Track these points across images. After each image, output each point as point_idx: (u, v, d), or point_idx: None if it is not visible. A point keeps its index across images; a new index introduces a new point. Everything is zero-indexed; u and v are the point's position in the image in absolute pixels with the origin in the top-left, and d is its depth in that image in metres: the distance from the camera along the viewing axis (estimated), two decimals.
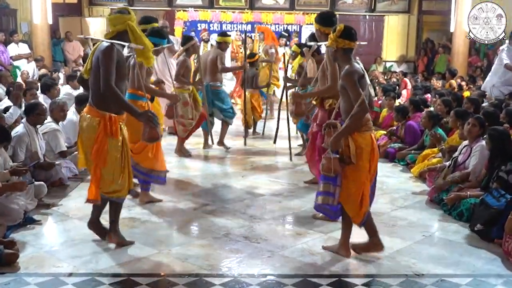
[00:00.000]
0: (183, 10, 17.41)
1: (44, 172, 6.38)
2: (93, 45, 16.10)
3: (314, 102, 6.08)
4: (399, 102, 10.76)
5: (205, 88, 8.60)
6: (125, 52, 5.02)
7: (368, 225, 4.62)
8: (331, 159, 4.32)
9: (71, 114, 7.67)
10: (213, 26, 17.39)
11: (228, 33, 9.66)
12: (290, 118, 8.54)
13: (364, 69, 4.53)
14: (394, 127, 9.00)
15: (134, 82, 5.79)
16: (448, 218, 5.72)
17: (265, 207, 6.01)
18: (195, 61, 9.48)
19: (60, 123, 7.27)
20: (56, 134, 6.99)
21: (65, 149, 7.09)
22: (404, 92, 12.45)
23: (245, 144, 9.48)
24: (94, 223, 4.90)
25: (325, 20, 5.59)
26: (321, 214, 5.25)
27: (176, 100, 6.98)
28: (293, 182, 7.06)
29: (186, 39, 8.36)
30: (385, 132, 9.13)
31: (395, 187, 6.93)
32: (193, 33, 16.14)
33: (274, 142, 9.51)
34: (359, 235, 4.74)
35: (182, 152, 8.47)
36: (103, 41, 4.54)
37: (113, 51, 4.42)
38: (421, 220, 5.70)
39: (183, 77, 7.99)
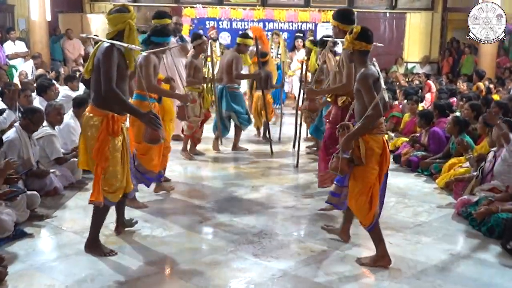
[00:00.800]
0: (190, 7, 17.29)
1: (38, 181, 6.32)
2: (95, 43, 16.10)
3: (328, 99, 6.27)
4: (422, 106, 10.59)
5: (221, 90, 8.94)
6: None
7: (376, 233, 4.77)
8: (339, 158, 4.60)
9: (69, 117, 7.62)
10: (222, 23, 17.27)
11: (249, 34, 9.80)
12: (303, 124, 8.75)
13: (379, 72, 4.68)
14: (417, 134, 8.83)
15: (141, 83, 5.90)
16: (477, 234, 5.56)
17: (276, 221, 5.88)
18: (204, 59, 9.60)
19: (57, 127, 7.21)
20: (51, 139, 6.92)
21: (61, 155, 7.02)
22: (428, 95, 12.28)
23: (271, 153, 9.18)
24: (92, 244, 4.86)
25: (344, 17, 5.85)
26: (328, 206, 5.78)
27: (186, 100, 7.12)
28: (307, 194, 6.92)
29: (194, 37, 8.51)
30: (407, 139, 8.96)
31: (418, 200, 6.79)
32: (201, 31, 16.06)
33: (293, 146, 9.34)
34: (370, 250, 4.81)
35: (186, 153, 8.64)
36: (104, 41, 4.66)
37: (113, 52, 4.56)
38: (448, 236, 5.55)
39: (194, 78, 8.28)
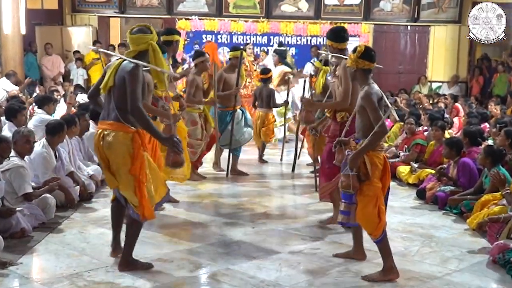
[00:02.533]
0: (185, 19, 17.37)
1: (2, 221, 6.16)
2: (77, 60, 15.98)
3: (327, 115, 7.16)
4: (450, 133, 10.43)
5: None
6: None
7: (384, 244, 5.40)
8: (349, 176, 5.28)
9: (41, 146, 7.53)
10: (221, 37, 17.32)
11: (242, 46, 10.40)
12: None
13: (381, 91, 5.44)
14: (445, 165, 8.67)
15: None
16: None
17: (280, 270, 5.69)
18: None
19: (26, 157, 7.09)
20: (20, 172, 6.78)
21: (31, 190, 6.87)
22: (456, 120, 12.15)
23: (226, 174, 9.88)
24: (128, 262, 5.41)
25: (336, 36, 6.80)
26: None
27: (175, 120, 7.12)
28: (317, 236, 6.76)
29: (197, 54, 9.03)
30: (433, 171, 8.80)
31: (446, 243, 6.63)
32: (196, 46, 16.08)
33: (293, 170, 10.48)
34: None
35: (195, 176, 9.13)
36: (126, 59, 5.22)
37: (140, 72, 5.14)
38: None
39: (194, 97, 8.81)
